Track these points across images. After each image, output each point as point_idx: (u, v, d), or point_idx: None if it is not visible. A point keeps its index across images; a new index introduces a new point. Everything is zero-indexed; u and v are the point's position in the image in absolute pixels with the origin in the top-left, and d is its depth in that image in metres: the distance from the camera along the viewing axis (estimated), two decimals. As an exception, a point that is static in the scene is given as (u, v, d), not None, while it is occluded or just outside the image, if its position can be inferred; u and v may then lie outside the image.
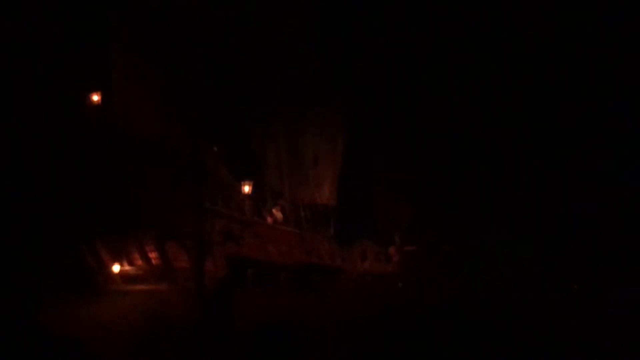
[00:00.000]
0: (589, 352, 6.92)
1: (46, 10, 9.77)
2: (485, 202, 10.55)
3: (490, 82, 11.20)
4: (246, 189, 10.19)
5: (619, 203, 10.77)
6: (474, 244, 10.20)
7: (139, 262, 9.93)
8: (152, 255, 10.04)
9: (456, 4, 11.06)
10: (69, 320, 7.46)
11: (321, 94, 10.51)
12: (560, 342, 7.07)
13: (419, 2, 11.01)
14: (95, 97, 9.97)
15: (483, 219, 10.34)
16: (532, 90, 11.27)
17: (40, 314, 6.80)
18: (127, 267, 9.91)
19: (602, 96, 11.30)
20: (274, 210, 11.02)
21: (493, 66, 11.18)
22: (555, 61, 11.27)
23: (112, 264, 9.72)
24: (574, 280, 10.02)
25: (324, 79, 10.52)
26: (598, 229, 10.52)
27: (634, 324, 7.92)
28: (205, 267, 9.56)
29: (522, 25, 11.24)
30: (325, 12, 10.72)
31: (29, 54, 9.56)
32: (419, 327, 6.72)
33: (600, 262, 10.22)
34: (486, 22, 11.17)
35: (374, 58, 10.91)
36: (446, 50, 11.05)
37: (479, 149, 11.65)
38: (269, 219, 10.83)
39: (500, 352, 6.43)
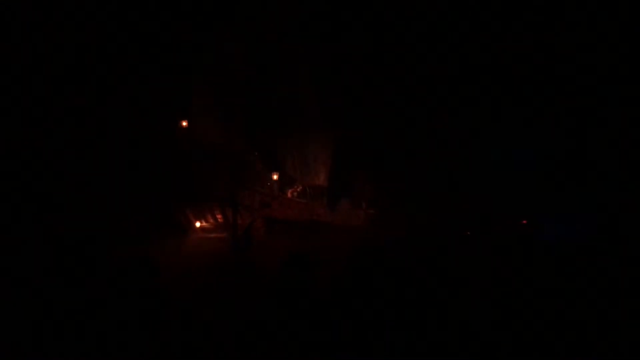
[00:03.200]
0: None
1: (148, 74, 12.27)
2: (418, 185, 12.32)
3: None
4: (274, 177, 13.20)
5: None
6: (409, 208, 12.24)
7: (211, 220, 12.63)
8: (219, 216, 12.76)
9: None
10: (169, 252, 10.04)
11: (319, 126, 13.17)
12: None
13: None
14: (184, 123, 12.79)
15: (416, 194, 12.33)
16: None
17: (151, 249, 9.22)
18: (204, 224, 12.55)
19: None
20: (291, 190, 13.70)
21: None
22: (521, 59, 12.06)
23: (196, 222, 12.45)
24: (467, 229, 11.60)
25: (322, 118, 13.05)
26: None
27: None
28: (250, 222, 12.07)
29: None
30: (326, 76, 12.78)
31: (147, 99, 12.24)
32: (380, 254, 7.79)
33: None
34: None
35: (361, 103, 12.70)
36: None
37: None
38: (289, 194, 13.48)
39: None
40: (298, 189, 13.70)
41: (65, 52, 11.83)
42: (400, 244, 10.64)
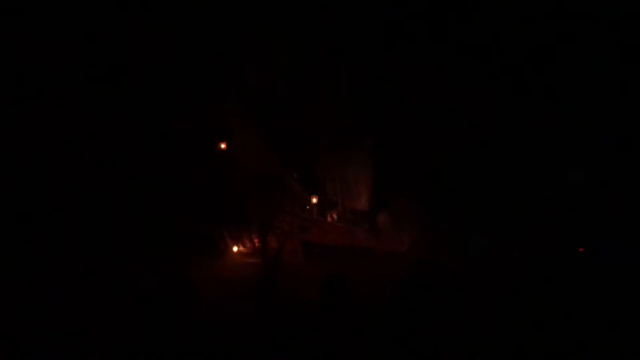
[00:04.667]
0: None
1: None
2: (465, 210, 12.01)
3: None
4: (314, 200, 13.00)
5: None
6: (456, 233, 11.92)
7: (249, 244, 12.44)
8: (256, 240, 12.47)
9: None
10: (206, 276, 10.31)
11: (360, 147, 13.09)
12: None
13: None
14: (223, 145, 12.65)
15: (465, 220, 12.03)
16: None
17: (189, 272, 9.89)
18: (241, 248, 12.37)
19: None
20: (331, 214, 13.67)
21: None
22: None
23: (233, 246, 12.25)
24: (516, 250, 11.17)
25: (362, 138, 12.97)
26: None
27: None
28: (287, 247, 12.25)
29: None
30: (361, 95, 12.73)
31: (184, 121, 12.29)
32: (425, 282, 9.55)
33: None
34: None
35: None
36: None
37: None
38: (329, 219, 13.50)
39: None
40: (338, 213, 13.50)
41: (108, 73, 12.19)
42: (447, 272, 10.36)
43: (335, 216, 13.34)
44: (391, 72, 12.77)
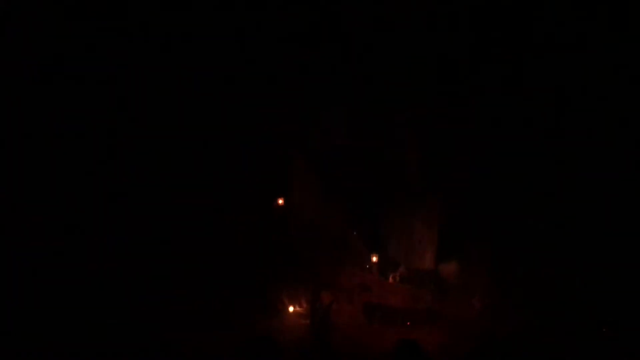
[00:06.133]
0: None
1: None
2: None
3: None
4: (374, 259, 12.85)
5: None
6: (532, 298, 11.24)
7: (305, 305, 12.14)
8: None
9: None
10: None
11: (425, 203, 12.80)
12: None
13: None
14: (280, 201, 12.83)
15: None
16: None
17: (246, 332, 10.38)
18: (297, 308, 12.16)
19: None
20: (394, 274, 13.05)
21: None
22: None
23: (289, 306, 12.10)
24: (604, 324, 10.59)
25: (427, 193, 12.74)
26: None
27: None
28: (347, 309, 11.93)
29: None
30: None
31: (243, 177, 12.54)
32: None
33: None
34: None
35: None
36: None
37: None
38: (391, 279, 12.99)
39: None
40: (401, 273, 13.05)
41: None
42: (521, 342, 10.17)
43: (397, 277, 12.91)
44: (456, 129, 12.83)
